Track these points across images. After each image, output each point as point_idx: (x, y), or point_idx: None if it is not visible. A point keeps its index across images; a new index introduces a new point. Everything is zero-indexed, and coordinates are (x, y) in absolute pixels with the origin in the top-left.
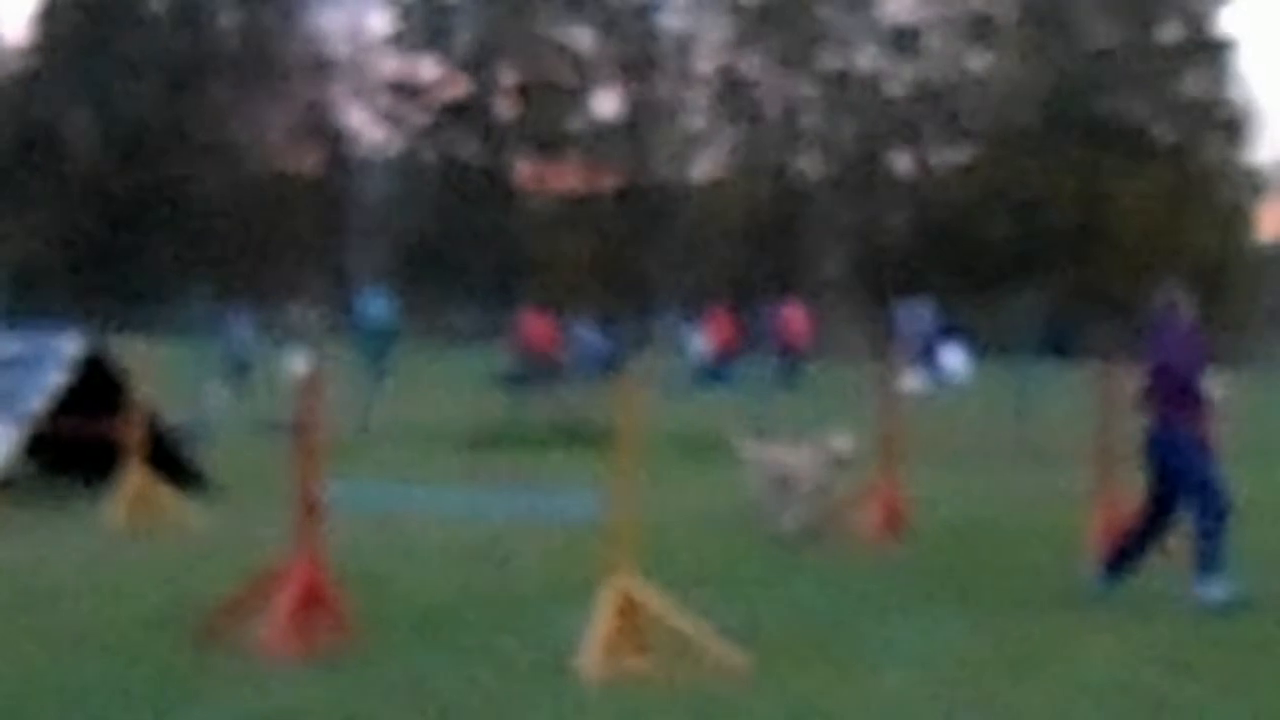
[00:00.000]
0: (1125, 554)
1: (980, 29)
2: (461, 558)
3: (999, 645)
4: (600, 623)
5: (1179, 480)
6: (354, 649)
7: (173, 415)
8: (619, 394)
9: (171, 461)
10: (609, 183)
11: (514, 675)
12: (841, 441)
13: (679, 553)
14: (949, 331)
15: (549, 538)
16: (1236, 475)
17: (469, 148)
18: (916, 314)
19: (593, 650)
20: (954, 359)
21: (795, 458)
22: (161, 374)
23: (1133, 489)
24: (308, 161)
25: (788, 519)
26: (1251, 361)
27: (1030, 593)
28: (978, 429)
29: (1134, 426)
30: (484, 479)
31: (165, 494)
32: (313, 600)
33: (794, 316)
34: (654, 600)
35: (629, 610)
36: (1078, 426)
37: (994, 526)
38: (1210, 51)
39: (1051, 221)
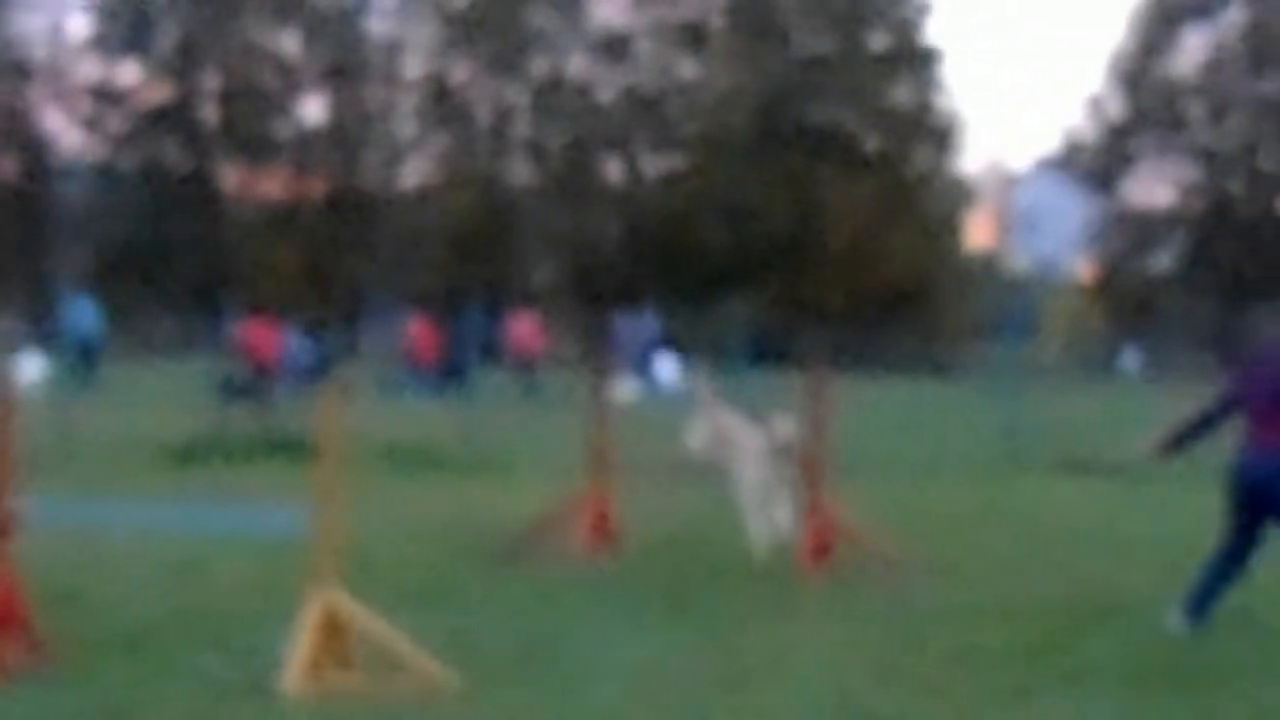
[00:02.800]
0: (1210, 591)
1: (691, 36)
2: (165, 573)
3: (712, 657)
4: (303, 639)
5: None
6: (50, 669)
7: None
8: (324, 403)
9: None
10: (317, 189)
11: (216, 693)
12: (784, 426)
13: (387, 566)
14: (662, 341)
15: (255, 552)
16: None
17: (173, 154)
18: (637, 323)
19: (296, 667)
20: (665, 368)
21: (746, 435)
22: None
23: (842, 497)
24: (6, 168)
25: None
26: (959, 370)
27: (743, 604)
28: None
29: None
30: (190, 492)
31: None
32: (5, 620)
33: (525, 326)
34: (359, 615)
35: (333, 626)
36: None
37: (706, 538)
38: (918, 61)
39: (762, 230)
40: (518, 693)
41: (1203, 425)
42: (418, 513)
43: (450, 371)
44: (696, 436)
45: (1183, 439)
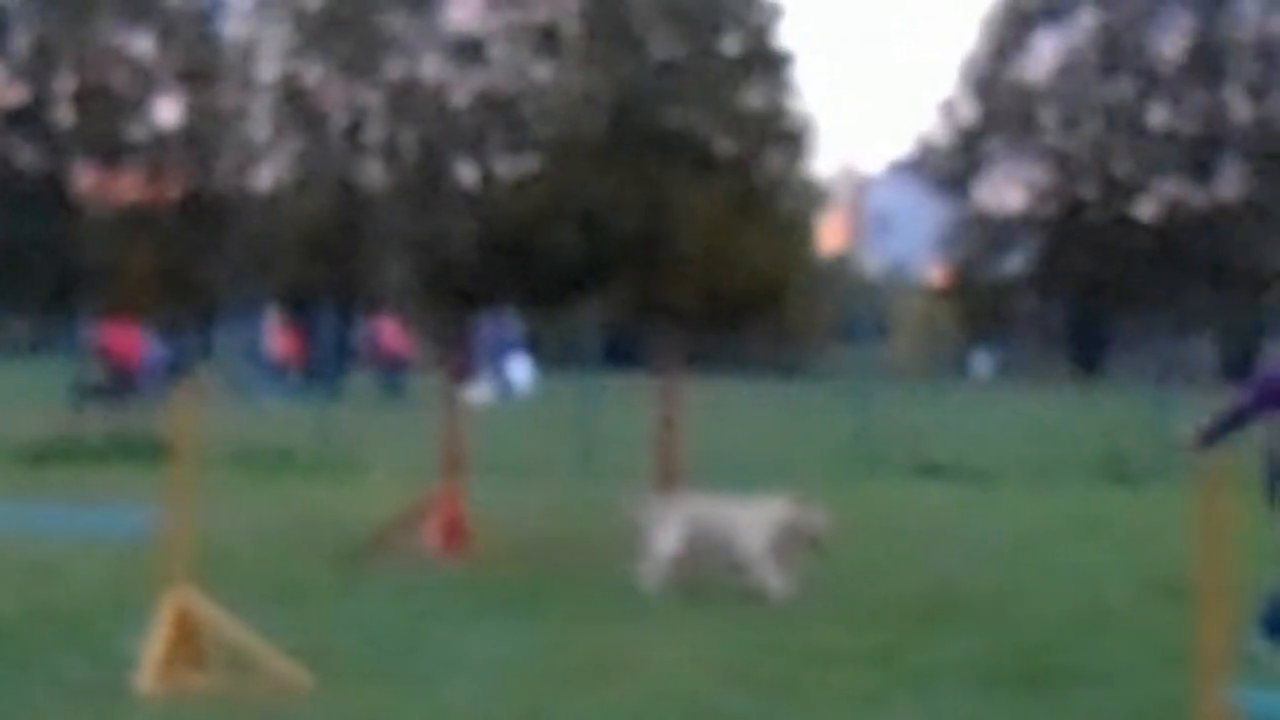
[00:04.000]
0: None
1: (545, 39)
2: (18, 574)
3: (563, 657)
4: (157, 639)
5: None
6: None
7: None
8: (176, 405)
9: None
10: (171, 191)
11: (69, 694)
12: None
13: (241, 567)
14: (516, 343)
15: (109, 552)
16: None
17: (26, 156)
18: (495, 324)
19: (150, 667)
20: (519, 370)
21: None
22: None
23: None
24: None
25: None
26: (811, 373)
27: (594, 604)
28: (541, 441)
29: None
30: (44, 493)
31: None
32: None
33: (390, 329)
34: (213, 616)
35: (186, 626)
36: (639, 438)
37: (558, 538)
38: (770, 65)
39: (616, 233)
40: (371, 692)
41: (1235, 422)
42: (272, 514)
43: (314, 373)
44: (666, 540)
45: (1219, 433)
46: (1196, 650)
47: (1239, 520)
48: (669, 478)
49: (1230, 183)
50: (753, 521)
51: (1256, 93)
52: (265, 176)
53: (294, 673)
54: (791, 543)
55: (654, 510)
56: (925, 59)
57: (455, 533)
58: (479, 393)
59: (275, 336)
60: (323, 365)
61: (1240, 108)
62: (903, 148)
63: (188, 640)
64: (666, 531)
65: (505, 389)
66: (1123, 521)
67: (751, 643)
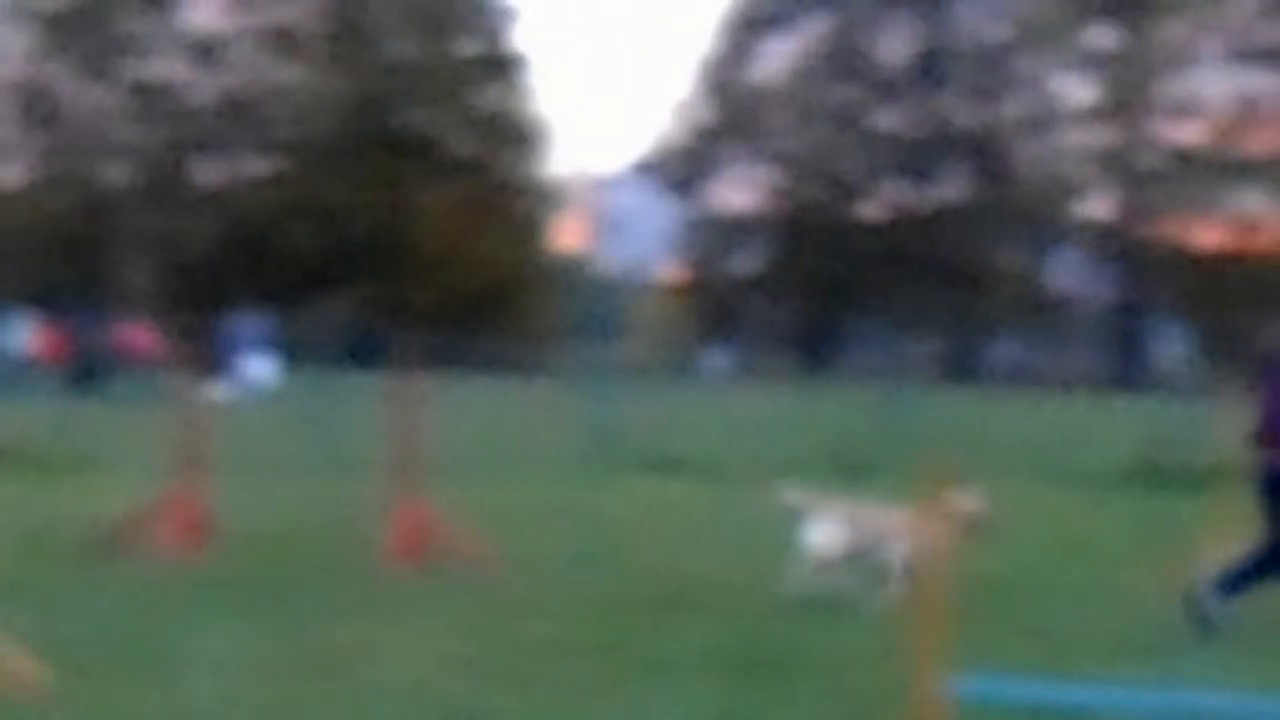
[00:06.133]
0: (1245, 577)
1: (284, 41)
2: None
3: (302, 651)
4: None
5: None
6: None
7: None
8: None
9: None
10: None
11: None
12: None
13: None
14: (259, 341)
15: None
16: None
17: None
18: (240, 323)
19: None
20: (261, 368)
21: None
22: None
23: (433, 496)
24: None
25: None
26: (548, 371)
27: (334, 600)
28: (282, 438)
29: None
30: None
31: None
32: None
33: (139, 327)
34: None
35: None
36: (378, 436)
37: (298, 535)
38: (505, 67)
39: (354, 233)
40: (111, 688)
41: None
42: (10, 512)
43: (77, 373)
44: (825, 542)
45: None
46: (913, 639)
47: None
48: (408, 474)
49: (952, 185)
50: (904, 529)
51: (977, 97)
52: (6, 177)
53: (33, 671)
54: (968, 533)
55: (809, 511)
56: (663, 63)
57: (195, 530)
58: (221, 390)
59: (35, 336)
60: (86, 365)
61: (961, 112)
62: (640, 150)
63: None
64: (825, 533)
65: (247, 387)
66: None
67: (486, 634)
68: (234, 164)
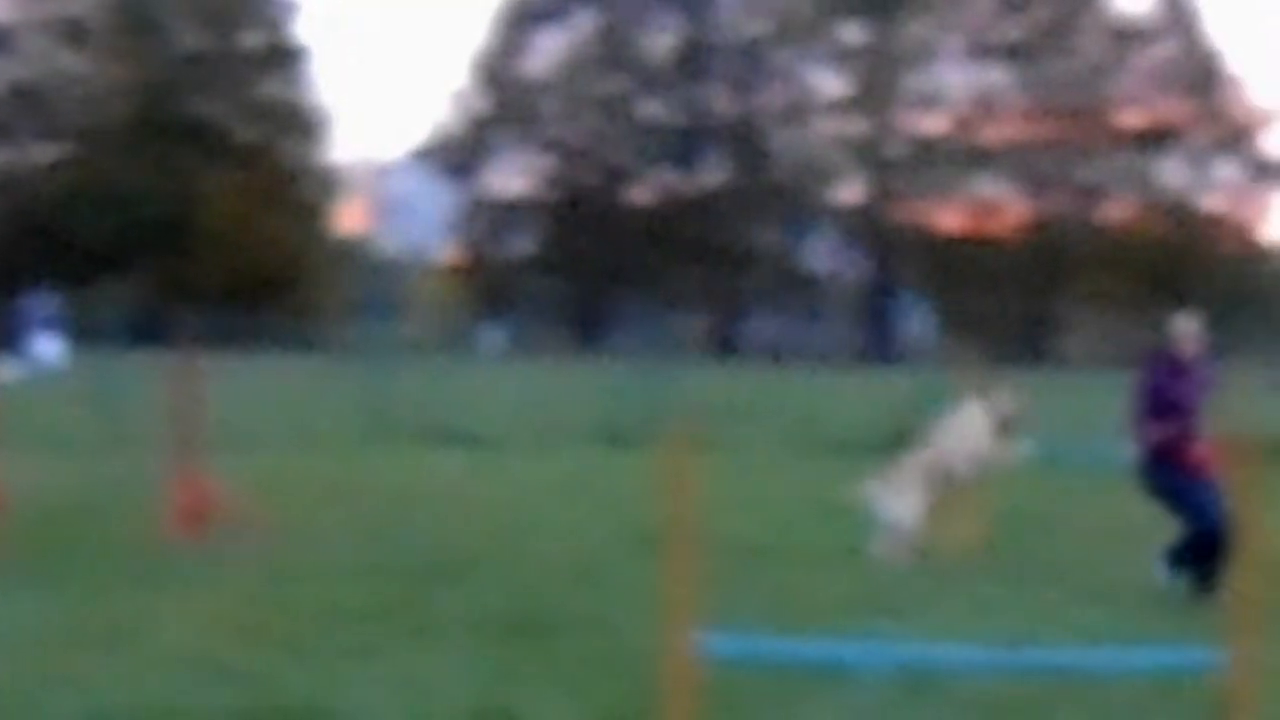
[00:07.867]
0: (1184, 551)
1: (73, 31)
2: None
3: (82, 623)
4: None
5: (1170, 501)
6: None
7: None
8: None
9: None
10: None
11: None
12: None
13: None
14: (48, 320)
15: None
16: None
17: None
18: (27, 303)
19: None
20: (50, 347)
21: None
22: None
23: (215, 469)
24: None
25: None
26: (330, 348)
27: (113, 572)
28: (68, 415)
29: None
30: None
31: None
32: None
33: None
34: None
35: None
36: (161, 412)
37: (81, 509)
38: (287, 58)
39: (143, 217)
40: None
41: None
42: None
43: None
44: (909, 511)
45: None
46: (664, 598)
47: (702, 478)
48: (189, 449)
49: (714, 171)
50: (960, 442)
51: (737, 88)
52: None
53: None
54: (1006, 430)
55: (881, 487)
56: (440, 54)
57: None
58: (8, 369)
59: None
60: None
61: (723, 102)
62: (420, 137)
63: None
64: (907, 502)
65: (35, 365)
66: (615, 482)
67: (264, 602)
68: (23, 151)
